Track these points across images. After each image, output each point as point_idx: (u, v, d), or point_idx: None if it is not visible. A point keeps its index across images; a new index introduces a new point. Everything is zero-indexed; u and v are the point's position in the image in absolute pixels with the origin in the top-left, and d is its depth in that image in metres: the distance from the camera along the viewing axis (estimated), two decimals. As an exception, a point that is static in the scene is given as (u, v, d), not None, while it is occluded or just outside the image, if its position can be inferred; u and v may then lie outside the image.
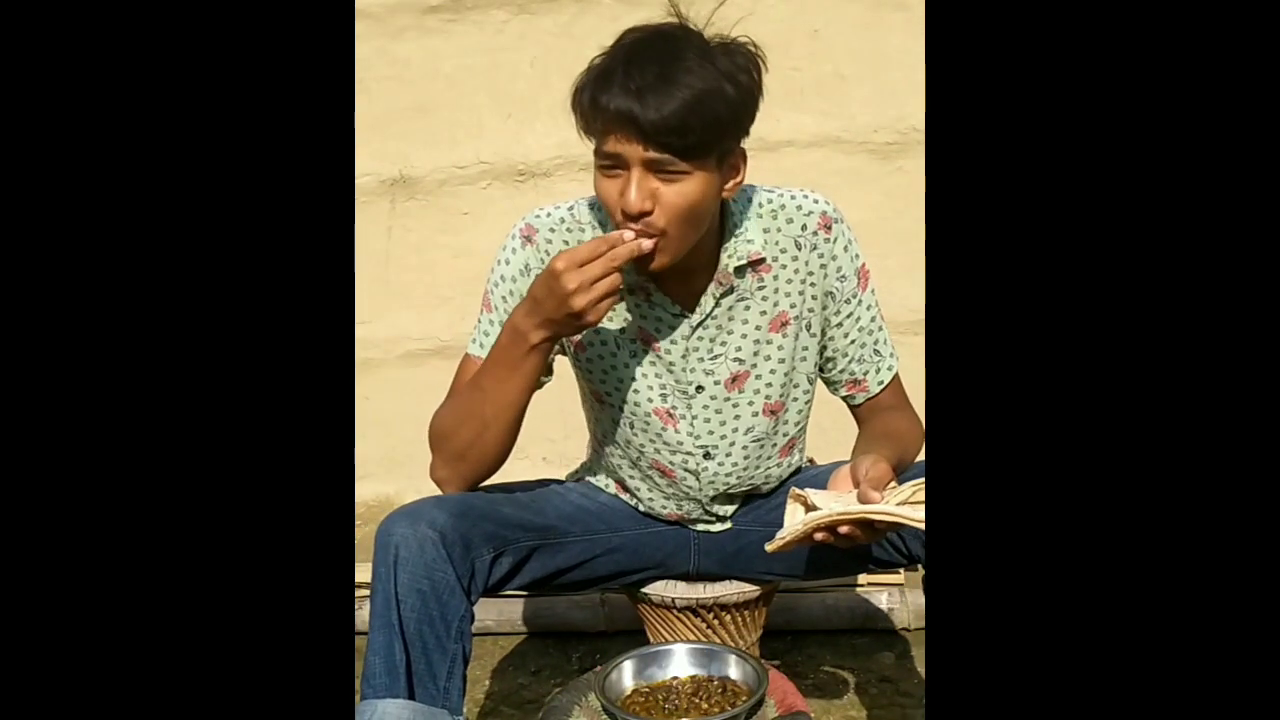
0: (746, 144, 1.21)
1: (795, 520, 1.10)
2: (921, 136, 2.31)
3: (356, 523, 2.47)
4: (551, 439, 2.40)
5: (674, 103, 1.07)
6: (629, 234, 1.13)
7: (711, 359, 1.30)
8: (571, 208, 1.30)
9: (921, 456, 1.32)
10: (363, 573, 2.11)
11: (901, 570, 2.00)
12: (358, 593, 2.12)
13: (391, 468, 2.53)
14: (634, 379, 1.31)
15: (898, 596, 2.02)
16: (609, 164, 1.14)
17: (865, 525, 1.07)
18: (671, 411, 1.32)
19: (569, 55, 2.42)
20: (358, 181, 2.43)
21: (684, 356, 1.29)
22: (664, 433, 1.33)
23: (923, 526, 1.01)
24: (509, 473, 1.50)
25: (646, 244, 1.13)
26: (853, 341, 1.33)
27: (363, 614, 2.04)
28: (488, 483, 1.34)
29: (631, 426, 1.34)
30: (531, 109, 2.44)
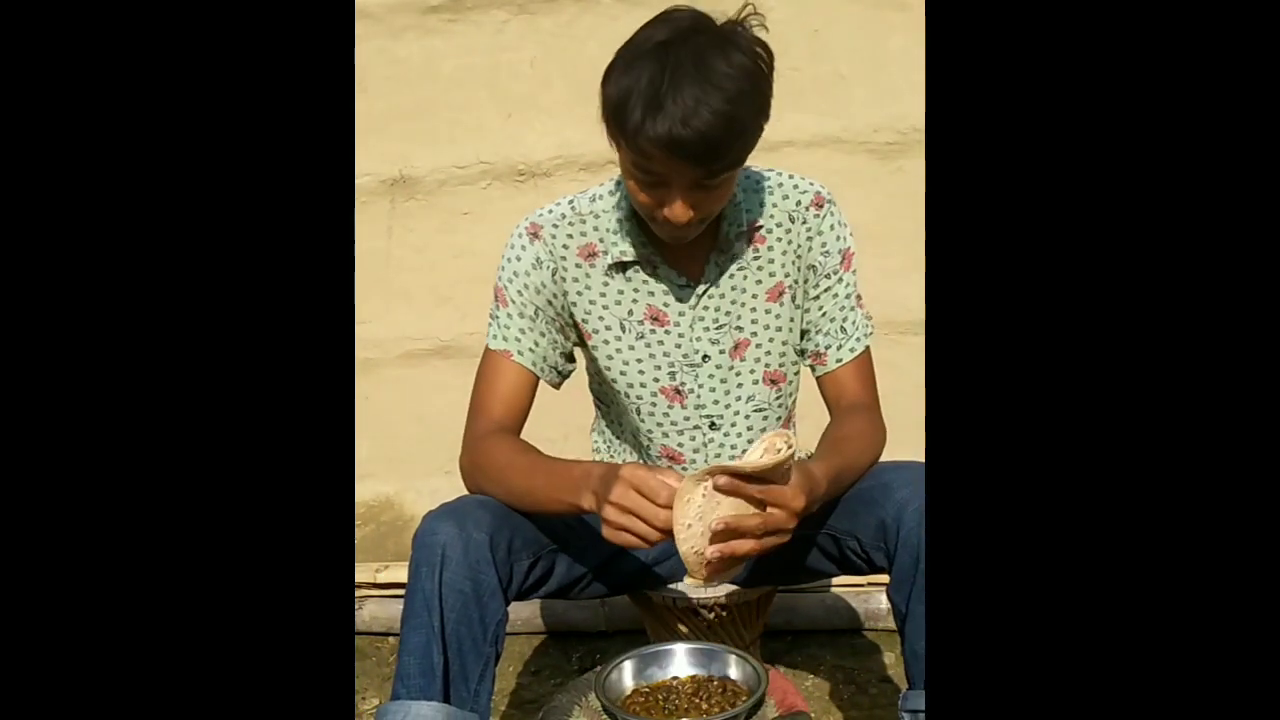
0: None
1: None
2: (921, 136, 2.31)
3: (356, 523, 2.47)
4: (551, 439, 2.40)
5: (720, 128, 1.09)
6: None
7: (717, 328, 1.36)
8: (572, 202, 1.36)
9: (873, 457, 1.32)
10: (363, 573, 2.12)
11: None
12: (358, 593, 2.12)
13: (391, 468, 2.53)
14: (640, 360, 1.36)
15: (898, 596, 2.01)
16: (651, 179, 1.16)
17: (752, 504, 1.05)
18: (680, 388, 1.37)
19: (569, 55, 2.44)
20: (358, 181, 2.43)
21: (691, 326, 1.35)
22: (670, 411, 1.38)
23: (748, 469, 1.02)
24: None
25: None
26: (824, 314, 1.38)
27: (363, 614, 2.06)
28: None
29: (639, 412, 1.39)
30: (531, 109, 2.43)
